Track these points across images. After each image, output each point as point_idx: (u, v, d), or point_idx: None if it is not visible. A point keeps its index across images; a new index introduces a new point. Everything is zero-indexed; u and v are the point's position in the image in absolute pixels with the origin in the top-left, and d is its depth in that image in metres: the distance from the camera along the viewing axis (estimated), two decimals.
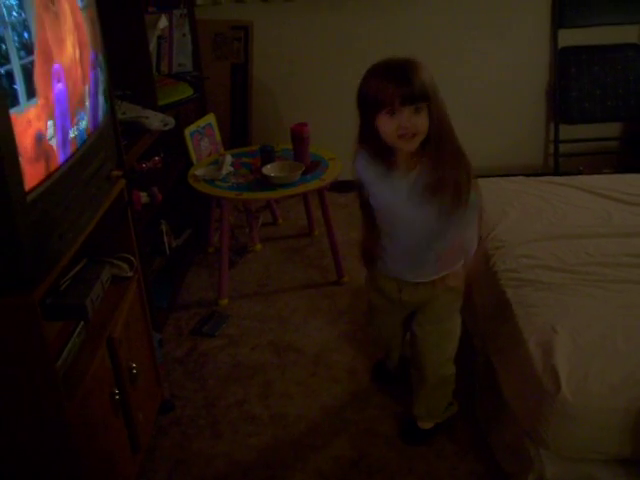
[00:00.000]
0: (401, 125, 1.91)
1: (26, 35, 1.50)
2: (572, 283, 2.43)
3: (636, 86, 4.52)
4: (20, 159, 1.47)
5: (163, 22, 3.77)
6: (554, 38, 4.52)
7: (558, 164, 4.72)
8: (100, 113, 2.08)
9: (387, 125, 1.94)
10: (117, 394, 2.11)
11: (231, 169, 3.52)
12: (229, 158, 3.55)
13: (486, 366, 2.53)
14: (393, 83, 1.88)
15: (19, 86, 1.46)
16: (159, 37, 3.78)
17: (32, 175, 1.54)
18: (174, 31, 3.92)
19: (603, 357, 2.04)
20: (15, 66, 1.44)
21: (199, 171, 3.52)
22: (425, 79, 1.90)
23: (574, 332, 2.14)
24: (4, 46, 1.40)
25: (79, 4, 1.86)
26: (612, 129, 4.75)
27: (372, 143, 2.05)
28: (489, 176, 3.41)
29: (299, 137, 3.49)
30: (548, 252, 2.62)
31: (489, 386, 2.47)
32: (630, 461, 2.00)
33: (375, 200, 2.18)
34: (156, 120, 3.13)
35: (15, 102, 1.45)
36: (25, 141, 1.50)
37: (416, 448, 2.46)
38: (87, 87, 1.94)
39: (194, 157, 3.78)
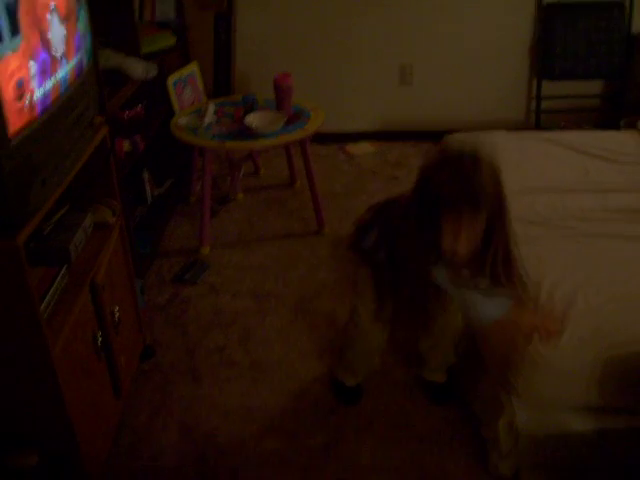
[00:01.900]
0: (459, 236, 1.80)
1: None
2: (548, 236, 2.48)
3: (619, 44, 4.52)
4: (3, 103, 1.48)
5: None
6: None
7: (540, 120, 4.74)
8: (83, 60, 2.07)
9: (448, 237, 1.81)
10: (100, 338, 2.15)
11: (214, 118, 3.51)
12: (212, 107, 3.54)
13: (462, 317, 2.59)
14: (455, 180, 1.76)
15: (3, 25, 1.47)
16: None
17: (15, 120, 1.55)
18: None
19: (575, 309, 2.09)
20: None
21: (181, 120, 3.52)
22: (490, 181, 1.80)
23: (548, 285, 2.19)
24: None
25: None
26: (594, 86, 4.76)
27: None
28: (471, 130, 3.43)
29: (282, 87, 3.49)
30: (525, 206, 2.66)
31: (465, 336, 2.53)
32: (597, 408, 2.07)
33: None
34: (139, 68, 3.12)
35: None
36: (8, 85, 1.51)
37: (393, 396, 2.53)
38: (70, 33, 1.93)
39: (177, 106, 3.77)
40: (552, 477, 2.14)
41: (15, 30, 1.53)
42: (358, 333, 2.38)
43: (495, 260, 1.85)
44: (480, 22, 4.58)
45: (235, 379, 2.64)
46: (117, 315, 2.30)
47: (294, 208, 3.94)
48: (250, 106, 3.52)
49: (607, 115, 4.74)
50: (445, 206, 1.77)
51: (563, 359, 1.99)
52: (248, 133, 3.36)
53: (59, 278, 1.99)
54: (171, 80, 3.76)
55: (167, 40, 3.70)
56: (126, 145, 3.15)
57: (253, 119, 3.41)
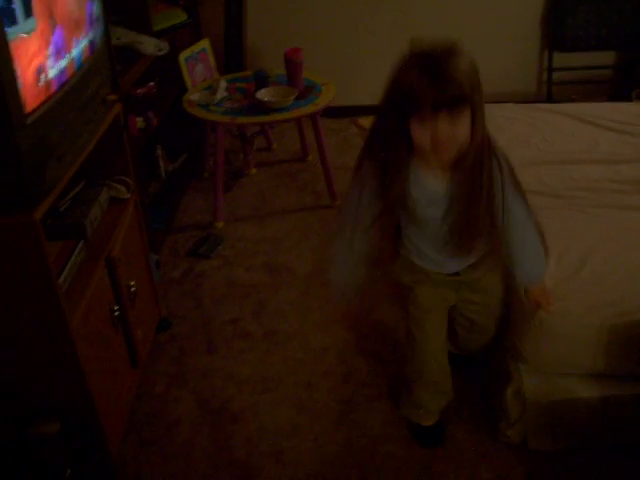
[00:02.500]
0: (437, 135, 1.69)
1: None
2: (557, 207, 2.50)
3: (631, 14, 4.51)
4: (19, 82, 1.52)
5: None
6: None
7: (551, 92, 4.74)
8: (96, 38, 2.11)
9: (419, 134, 1.71)
10: (116, 311, 2.21)
11: (225, 94, 3.55)
12: (223, 83, 3.57)
13: None
14: (431, 85, 1.63)
15: (17, 6, 1.51)
16: None
17: (30, 99, 1.59)
18: None
19: (582, 278, 2.13)
20: None
21: (194, 96, 3.55)
22: (466, 77, 1.66)
23: (556, 255, 2.22)
24: None
25: None
26: (606, 57, 4.75)
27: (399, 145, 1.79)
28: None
29: (293, 62, 3.51)
30: (534, 177, 2.69)
31: None
32: (603, 375, 2.11)
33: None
34: (151, 45, 3.15)
35: (13, 21, 1.50)
36: (23, 64, 1.55)
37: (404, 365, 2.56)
38: (84, 12, 1.97)
39: (189, 82, 3.80)
40: (559, 443, 2.18)
41: (29, 12, 1.57)
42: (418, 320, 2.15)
43: (475, 143, 1.75)
44: None
45: (249, 350, 2.70)
46: (133, 289, 2.35)
47: (306, 182, 3.98)
48: (261, 81, 3.55)
49: (619, 86, 4.73)
50: (426, 112, 1.66)
51: (569, 326, 2.02)
52: (260, 108, 3.39)
53: (76, 252, 2.04)
54: (183, 56, 3.79)
55: (178, 17, 3.72)
56: (139, 122, 3.20)
57: (264, 94, 3.44)
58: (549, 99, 4.73)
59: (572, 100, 4.51)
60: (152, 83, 3.52)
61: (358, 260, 2.06)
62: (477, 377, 2.47)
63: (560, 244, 2.26)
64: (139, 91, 3.39)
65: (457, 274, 2.09)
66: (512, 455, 2.20)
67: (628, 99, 4.28)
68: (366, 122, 4.65)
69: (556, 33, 4.60)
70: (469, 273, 2.09)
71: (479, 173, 1.80)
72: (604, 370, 2.09)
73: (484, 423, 2.32)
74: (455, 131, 1.69)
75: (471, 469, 2.16)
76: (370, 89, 5.09)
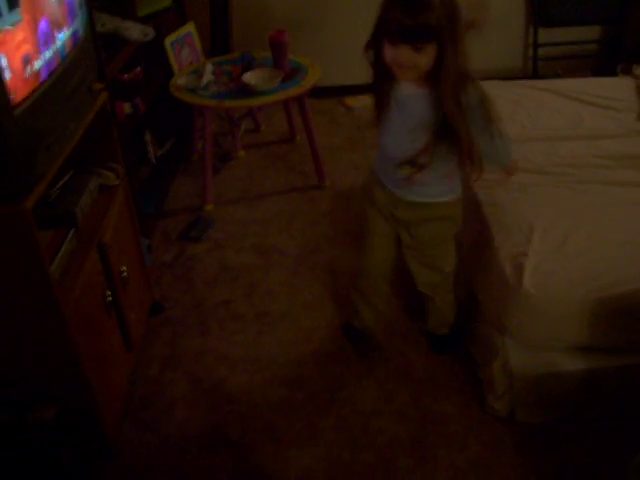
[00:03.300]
0: (397, 59, 1.88)
1: None
2: (541, 184, 2.55)
3: None
4: (6, 74, 1.54)
5: None
6: None
7: (537, 68, 4.76)
8: (80, 26, 2.12)
9: (386, 53, 1.90)
10: (109, 296, 2.24)
11: (212, 77, 3.55)
12: (210, 67, 3.58)
13: (459, 264, 2.66)
14: (400, 15, 1.79)
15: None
16: None
17: (19, 89, 1.61)
18: None
19: (566, 253, 2.18)
20: None
21: (180, 80, 3.56)
22: (437, 15, 1.77)
23: (540, 230, 2.27)
24: None
25: None
26: (591, 32, 4.77)
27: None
28: None
29: (277, 44, 3.52)
30: (520, 154, 2.70)
31: (462, 282, 2.60)
32: (587, 348, 2.16)
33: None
34: (136, 31, 3.15)
35: None
36: (9, 56, 1.57)
37: (394, 344, 2.62)
38: (67, 0, 1.98)
39: (175, 67, 3.80)
40: (545, 415, 2.24)
41: (13, 4, 1.59)
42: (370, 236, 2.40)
43: (446, 79, 1.87)
44: None
45: (241, 331, 2.74)
46: (125, 274, 2.38)
47: (295, 163, 4.00)
48: (248, 64, 3.56)
49: (604, 61, 4.75)
50: (388, 40, 1.86)
51: (554, 300, 2.07)
52: (246, 91, 3.40)
53: (67, 240, 2.07)
54: (168, 41, 3.79)
55: (163, 1, 3.72)
56: (127, 107, 3.20)
57: (251, 77, 3.45)
58: (535, 75, 4.75)
59: (558, 75, 4.54)
60: (138, 68, 3.52)
61: None
62: (465, 352, 2.51)
63: (544, 220, 2.31)
64: (125, 77, 3.40)
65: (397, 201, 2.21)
66: (500, 427, 2.25)
67: (613, 73, 4.30)
68: (353, 101, 4.66)
69: (541, 8, 4.61)
70: (407, 210, 2.21)
71: (450, 98, 1.90)
72: (588, 343, 2.13)
73: (472, 397, 2.37)
74: (416, 59, 1.86)
75: (460, 442, 2.21)
76: (356, 69, 5.06)
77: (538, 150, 2.76)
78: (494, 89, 3.29)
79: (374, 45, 1.96)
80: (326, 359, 2.58)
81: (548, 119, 3.04)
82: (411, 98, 2.00)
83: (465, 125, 1.93)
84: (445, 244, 2.32)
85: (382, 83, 2.05)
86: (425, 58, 1.85)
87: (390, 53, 1.88)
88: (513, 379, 2.18)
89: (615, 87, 3.37)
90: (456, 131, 1.93)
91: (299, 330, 2.72)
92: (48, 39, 1.81)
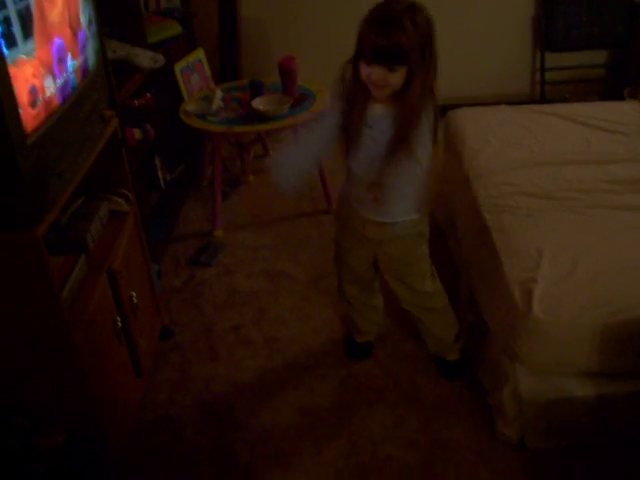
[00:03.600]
0: (370, 77, 1.94)
1: None
2: (549, 209, 2.54)
3: (622, 13, 4.55)
4: (19, 103, 1.56)
5: None
6: None
7: (544, 92, 4.78)
8: (92, 54, 2.15)
9: (362, 71, 1.96)
10: (119, 322, 2.25)
11: (221, 104, 3.58)
12: (219, 93, 3.61)
13: (468, 288, 2.67)
14: (374, 36, 1.87)
15: (16, 29, 1.56)
16: None
17: (31, 118, 1.64)
18: None
19: (575, 279, 2.17)
20: (11, 11, 1.54)
21: (190, 106, 3.59)
22: (409, 39, 1.85)
23: (549, 255, 2.27)
24: None
25: None
26: (598, 56, 4.80)
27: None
28: (476, 105, 3.50)
29: (287, 70, 3.55)
30: (527, 179, 2.73)
31: (471, 307, 2.61)
32: (597, 374, 2.15)
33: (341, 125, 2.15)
34: (146, 58, 3.19)
35: (13, 44, 1.55)
36: (23, 85, 1.59)
37: (403, 369, 2.62)
38: (80, 30, 2.01)
39: (185, 93, 3.84)
40: (556, 441, 2.23)
41: (28, 33, 1.62)
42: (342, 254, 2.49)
43: (412, 97, 1.95)
44: None
45: (251, 356, 2.74)
46: (135, 300, 2.39)
47: (304, 188, 4.00)
48: (257, 90, 3.58)
49: (612, 85, 4.77)
50: (364, 59, 1.93)
51: (563, 326, 2.06)
52: (256, 117, 3.43)
53: (78, 266, 2.08)
54: (178, 67, 3.83)
55: (173, 29, 3.76)
56: (137, 133, 3.24)
57: (260, 103, 3.48)
58: (542, 99, 4.77)
59: (565, 99, 4.56)
60: (149, 94, 3.55)
61: (308, 155, 2.27)
62: (475, 378, 2.51)
63: (553, 245, 2.31)
64: (136, 102, 3.43)
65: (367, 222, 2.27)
66: (510, 454, 2.24)
67: (620, 97, 4.32)
68: None
69: (548, 33, 4.64)
70: (375, 229, 2.27)
71: (413, 116, 1.98)
72: (598, 369, 2.12)
73: (482, 423, 2.36)
74: (388, 78, 1.92)
75: (470, 469, 2.20)
76: None
77: (546, 175, 2.77)
78: (502, 114, 3.35)
79: (354, 64, 2.02)
80: (335, 384, 2.57)
81: (556, 143, 3.05)
82: (381, 120, 2.05)
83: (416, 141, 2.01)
84: (419, 263, 2.38)
85: (357, 103, 2.07)
86: (398, 78, 1.93)
87: (365, 72, 1.95)
88: (523, 405, 2.17)
89: (622, 111, 3.38)
90: (408, 144, 2.00)
91: (309, 355, 2.72)
92: (61, 67, 1.84)
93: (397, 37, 1.84)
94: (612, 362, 2.10)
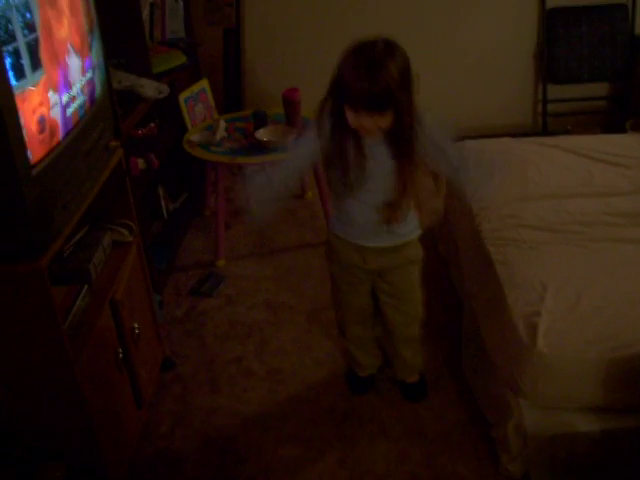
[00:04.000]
0: (362, 125, 1.96)
1: (28, 15, 1.60)
2: (553, 242, 2.54)
3: (623, 46, 4.59)
4: (25, 134, 1.57)
5: None
6: None
7: (547, 124, 4.80)
8: (98, 85, 2.16)
9: (349, 117, 1.97)
10: (121, 352, 2.24)
11: (225, 134, 3.60)
12: (223, 123, 3.63)
13: (472, 321, 2.66)
14: (361, 85, 1.87)
15: (25, 61, 1.57)
16: (152, 4, 3.82)
17: (36, 149, 1.64)
18: None
19: (580, 312, 2.16)
20: (20, 43, 1.56)
21: (194, 137, 3.61)
22: (393, 79, 1.86)
23: (553, 289, 2.26)
24: (10, 26, 1.51)
25: None
26: (600, 89, 4.82)
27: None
28: (479, 136, 3.51)
29: (291, 102, 3.57)
30: (531, 212, 2.73)
31: (474, 340, 2.59)
32: (603, 409, 2.13)
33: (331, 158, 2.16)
34: (151, 88, 3.21)
35: (22, 76, 1.56)
36: (29, 116, 1.60)
37: (406, 402, 2.60)
38: (86, 61, 2.03)
39: (189, 122, 3.86)
40: (560, 477, 2.20)
41: (36, 65, 1.63)
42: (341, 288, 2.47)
43: (404, 129, 1.97)
44: (484, 29, 4.66)
45: (252, 388, 2.72)
46: (137, 330, 2.38)
47: (306, 218, 4.02)
48: (260, 121, 3.60)
49: (614, 117, 4.79)
50: (352, 108, 1.93)
51: (568, 360, 2.05)
52: (259, 147, 3.44)
53: (81, 297, 2.08)
54: (182, 97, 3.86)
55: (178, 59, 3.79)
56: (141, 163, 3.24)
57: (263, 134, 3.50)
58: (544, 130, 4.79)
59: (567, 131, 4.58)
60: (153, 124, 3.57)
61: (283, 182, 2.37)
62: (478, 411, 2.49)
63: (557, 279, 2.30)
64: (140, 132, 3.45)
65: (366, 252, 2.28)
66: None
67: (622, 129, 4.34)
68: None
69: (549, 66, 4.67)
70: (377, 258, 2.29)
71: (406, 143, 2.02)
72: (604, 404, 2.11)
73: (486, 457, 2.33)
74: (379, 122, 1.95)
75: None
76: None
77: (549, 207, 2.77)
78: (504, 147, 3.35)
79: (334, 106, 2.02)
80: (338, 418, 2.55)
81: (558, 176, 3.05)
82: (375, 146, 2.06)
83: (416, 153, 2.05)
84: (417, 289, 2.42)
85: (346, 141, 2.06)
86: (388, 120, 1.95)
87: (354, 119, 1.96)
88: (527, 440, 2.15)
89: (625, 144, 3.38)
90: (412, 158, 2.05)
91: (311, 388, 2.70)
92: (67, 98, 1.84)
93: (385, 84, 1.85)
94: (617, 397, 2.08)
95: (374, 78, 1.85)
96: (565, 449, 2.15)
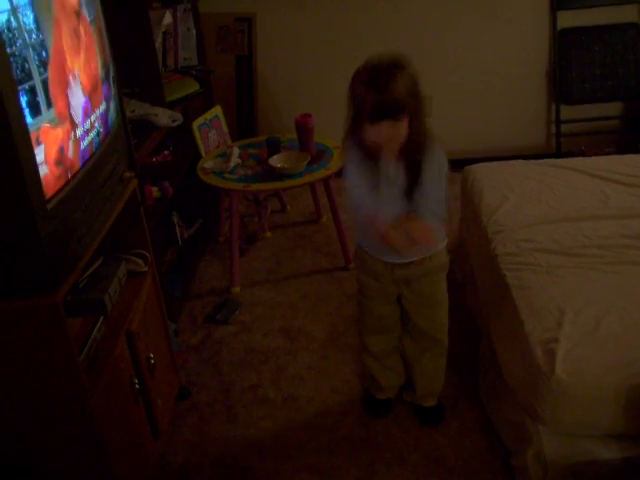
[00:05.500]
0: (380, 135, 2.01)
1: (44, 54, 1.62)
2: (570, 266, 2.52)
3: (636, 65, 4.58)
4: (40, 170, 1.57)
5: (168, 18, 3.83)
6: (553, 20, 4.57)
7: (560, 144, 4.79)
8: (112, 117, 2.18)
9: (368, 133, 2.02)
10: (137, 383, 2.23)
11: (239, 161, 3.61)
12: (236, 150, 3.64)
13: (489, 346, 2.64)
14: (374, 94, 1.95)
15: (41, 98, 1.59)
16: (164, 33, 3.85)
17: (51, 184, 1.65)
18: (179, 26, 3.99)
19: (598, 338, 2.14)
20: (36, 81, 1.57)
21: (208, 164, 3.62)
22: (405, 87, 1.96)
23: (571, 314, 2.24)
24: (27, 65, 1.52)
25: (87, 18, 1.95)
26: (613, 108, 4.80)
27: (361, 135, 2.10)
28: (492, 158, 3.50)
29: (304, 128, 3.58)
30: (547, 235, 2.71)
31: (492, 366, 2.57)
32: (623, 436, 2.10)
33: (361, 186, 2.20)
34: (165, 117, 3.22)
35: (37, 113, 1.57)
36: (45, 152, 1.61)
37: (423, 427, 2.57)
38: (100, 94, 2.04)
39: (202, 149, 3.88)
40: None
41: (51, 102, 1.64)
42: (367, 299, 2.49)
43: (415, 139, 2.05)
44: (496, 51, 4.66)
45: (269, 417, 2.71)
46: (152, 360, 2.37)
47: (321, 244, 4.02)
48: (273, 147, 3.61)
49: (628, 136, 4.77)
50: (369, 120, 1.99)
51: (588, 387, 2.02)
52: (273, 174, 3.45)
53: (96, 328, 2.07)
54: (196, 124, 3.88)
55: (191, 87, 3.81)
56: (155, 191, 3.26)
57: (277, 160, 3.50)
58: (558, 151, 4.78)
59: (581, 151, 4.56)
60: (167, 151, 3.59)
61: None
62: (497, 439, 2.46)
63: (574, 303, 2.28)
64: (154, 160, 3.47)
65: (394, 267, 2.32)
66: None
67: (636, 148, 4.31)
68: None
69: (562, 86, 4.66)
70: (404, 270, 2.33)
71: (418, 158, 2.09)
72: (624, 431, 2.08)
73: None
74: (393, 134, 2.01)
75: None
76: None
77: (565, 230, 2.75)
78: (519, 169, 3.35)
79: (357, 132, 2.08)
80: (355, 446, 2.53)
81: (574, 198, 3.03)
82: (397, 171, 2.12)
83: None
84: (445, 296, 2.45)
85: (372, 165, 2.13)
86: (404, 128, 2.01)
87: (372, 132, 2.01)
88: (547, 467, 2.12)
89: (639, 164, 3.36)
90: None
91: (328, 415, 2.68)
92: (82, 132, 1.85)
93: (395, 89, 1.94)
94: (638, 423, 2.06)
95: (385, 85, 1.94)
96: (586, 477, 2.12)
